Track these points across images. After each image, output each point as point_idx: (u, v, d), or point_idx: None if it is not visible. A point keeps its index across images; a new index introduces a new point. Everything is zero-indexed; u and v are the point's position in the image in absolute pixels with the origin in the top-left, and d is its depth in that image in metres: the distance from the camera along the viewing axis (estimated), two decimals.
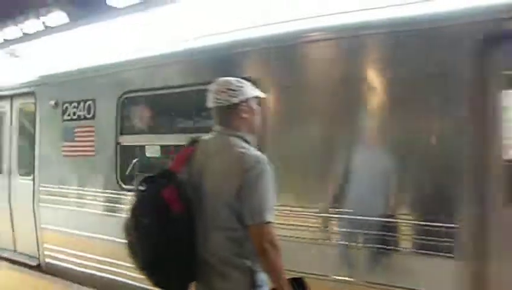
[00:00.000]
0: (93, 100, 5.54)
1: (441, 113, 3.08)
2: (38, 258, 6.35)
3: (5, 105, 7.15)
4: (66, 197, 5.77)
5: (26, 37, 6.79)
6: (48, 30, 6.58)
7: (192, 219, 2.19)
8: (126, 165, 5.14)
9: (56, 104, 5.98)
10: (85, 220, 5.51)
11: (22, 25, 6.75)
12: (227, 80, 2.30)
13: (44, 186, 6.14)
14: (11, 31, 6.97)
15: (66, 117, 5.91)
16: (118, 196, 5.09)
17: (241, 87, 2.27)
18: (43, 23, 6.46)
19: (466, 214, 2.90)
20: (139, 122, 5.30)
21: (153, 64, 4.94)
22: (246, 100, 2.26)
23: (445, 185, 3.08)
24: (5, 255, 6.85)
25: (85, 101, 5.63)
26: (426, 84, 3.10)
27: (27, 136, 6.74)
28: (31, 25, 6.68)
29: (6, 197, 6.96)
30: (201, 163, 2.28)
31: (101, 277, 5.28)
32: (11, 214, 6.89)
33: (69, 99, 5.85)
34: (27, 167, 6.59)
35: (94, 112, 5.55)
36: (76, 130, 5.77)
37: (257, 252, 2.10)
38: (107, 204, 5.27)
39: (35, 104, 6.40)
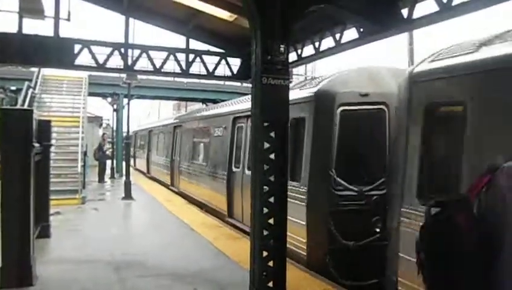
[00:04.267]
0: None
1: None
2: None
3: (244, 122, 10.18)
4: None
5: (319, 54, 7.22)
6: (338, 47, 6.83)
7: (489, 250, 1.93)
8: None
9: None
10: None
11: (317, 43, 7.16)
12: None
13: None
14: (307, 49, 7.52)
15: None
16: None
17: None
18: (336, 40, 6.66)
19: None
20: None
21: None
22: None
23: None
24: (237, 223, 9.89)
25: None
26: None
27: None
28: (325, 43, 7.06)
29: (240, 181, 9.90)
30: (504, 191, 1.97)
31: None
32: (242, 194, 9.67)
33: None
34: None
35: None
36: None
37: None
38: None
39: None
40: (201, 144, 13.69)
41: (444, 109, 4.65)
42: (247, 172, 9.40)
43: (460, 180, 4.00)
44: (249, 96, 12.01)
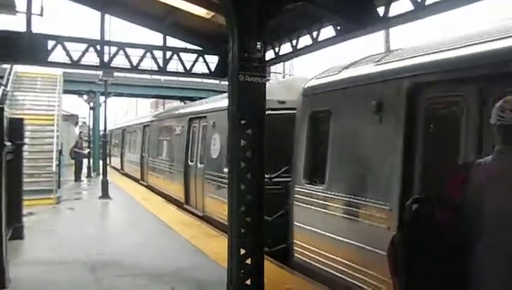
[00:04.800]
0: None
1: None
2: (203, 212, 10.61)
3: (197, 123, 11.96)
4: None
5: (296, 52, 7.26)
6: (315, 45, 6.89)
7: (468, 243, 2.03)
8: None
9: (213, 125, 10.33)
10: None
11: (295, 41, 7.19)
12: None
13: (208, 170, 10.44)
14: (284, 47, 7.55)
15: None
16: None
17: None
18: (313, 38, 6.71)
19: None
20: None
21: None
22: None
23: None
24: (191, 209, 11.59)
25: None
26: None
27: (205, 140, 11.05)
28: (303, 41, 7.09)
29: (194, 174, 11.67)
30: (480, 186, 2.08)
31: None
32: (195, 184, 11.43)
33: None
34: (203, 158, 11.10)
35: None
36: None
37: None
38: None
39: (208, 123, 10.86)
40: (165, 142, 15.17)
41: (319, 115, 6.20)
42: (199, 165, 11.31)
43: (327, 166, 5.79)
44: (206, 99, 13.15)
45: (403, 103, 4.53)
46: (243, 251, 4.52)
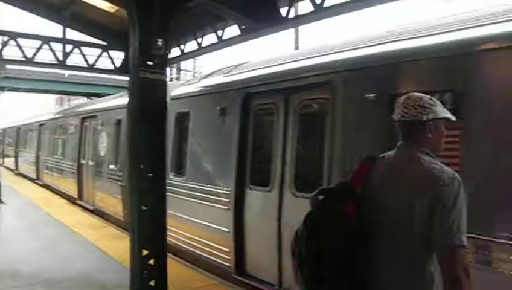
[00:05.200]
0: None
1: None
2: (93, 205, 11.50)
3: (89, 122, 12.42)
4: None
5: (201, 50, 7.26)
6: (220, 43, 6.96)
7: (367, 237, 2.08)
8: None
9: (102, 124, 10.87)
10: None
11: (200, 39, 7.18)
12: (420, 96, 2.13)
13: (97, 168, 11.29)
14: (190, 45, 7.51)
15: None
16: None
17: (433, 105, 2.10)
18: (218, 36, 6.76)
19: None
20: None
21: None
22: (434, 120, 2.10)
23: None
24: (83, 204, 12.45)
25: None
26: None
27: (95, 139, 11.57)
28: (208, 39, 7.12)
29: (85, 171, 12.39)
30: (381, 179, 2.13)
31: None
32: (87, 180, 12.27)
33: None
34: (93, 156, 11.85)
35: None
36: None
37: (446, 279, 1.90)
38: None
39: (97, 122, 11.44)
40: (60, 141, 15.59)
41: (182, 117, 7.20)
42: (90, 163, 12.02)
43: (186, 160, 6.92)
44: (98, 98, 13.22)
45: (238, 109, 5.73)
46: (145, 252, 4.42)
